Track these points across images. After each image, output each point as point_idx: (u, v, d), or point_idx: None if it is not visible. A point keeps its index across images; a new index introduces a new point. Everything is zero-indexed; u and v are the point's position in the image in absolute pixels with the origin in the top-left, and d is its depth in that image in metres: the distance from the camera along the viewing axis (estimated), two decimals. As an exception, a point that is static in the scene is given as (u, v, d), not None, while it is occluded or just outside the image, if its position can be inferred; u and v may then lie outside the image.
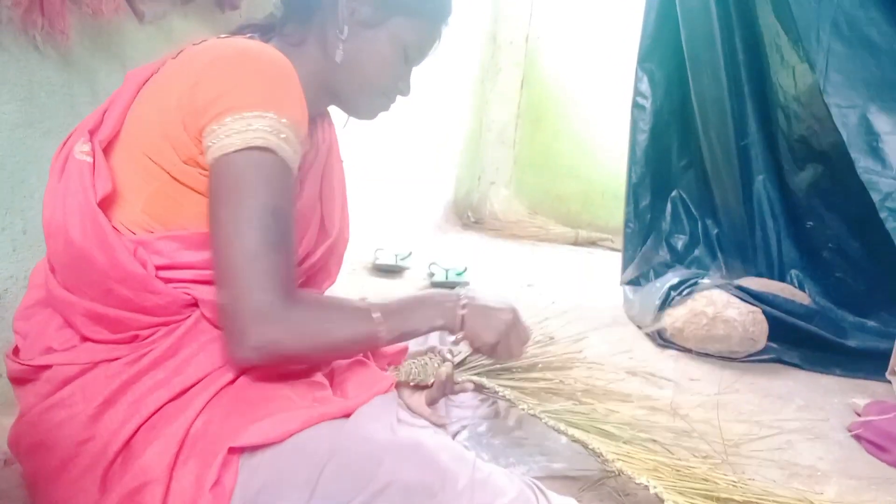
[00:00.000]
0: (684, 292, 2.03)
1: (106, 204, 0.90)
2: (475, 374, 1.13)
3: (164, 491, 0.81)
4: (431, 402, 1.11)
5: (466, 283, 2.59)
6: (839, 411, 1.75)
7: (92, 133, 0.94)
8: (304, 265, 1.02)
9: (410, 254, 2.80)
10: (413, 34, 1.01)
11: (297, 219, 1.00)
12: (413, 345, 1.20)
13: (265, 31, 1.05)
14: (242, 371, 0.89)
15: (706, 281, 2.06)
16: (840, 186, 2.07)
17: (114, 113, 0.94)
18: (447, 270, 2.59)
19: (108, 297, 0.88)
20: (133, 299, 0.88)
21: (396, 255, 2.74)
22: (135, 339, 0.89)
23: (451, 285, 2.53)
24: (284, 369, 0.92)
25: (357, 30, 0.99)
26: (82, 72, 1.49)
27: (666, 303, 2.03)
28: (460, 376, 1.12)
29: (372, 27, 0.99)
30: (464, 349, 1.12)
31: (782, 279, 2.23)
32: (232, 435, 0.83)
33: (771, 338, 2.00)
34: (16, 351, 0.96)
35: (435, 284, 2.54)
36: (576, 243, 3.56)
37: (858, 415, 1.69)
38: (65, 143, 0.96)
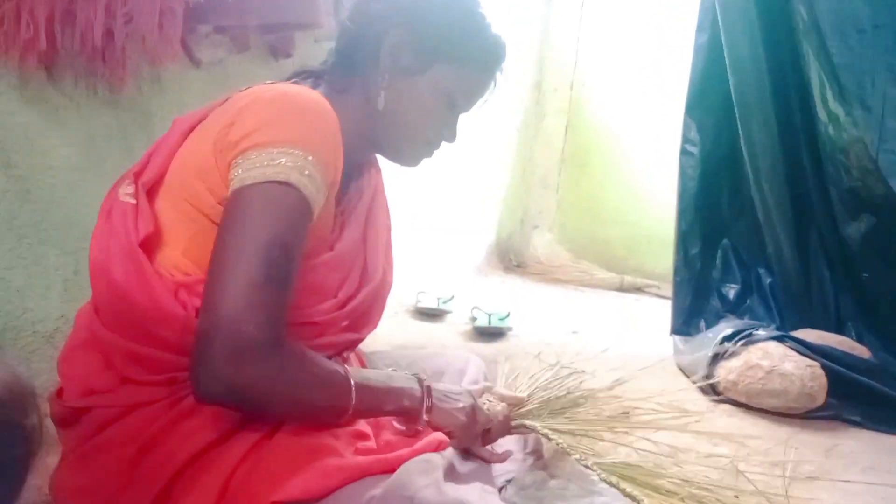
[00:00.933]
0: (738, 343, 1.95)
1: (149, 246, 0.91)
2: (530, 419, 1.11)
3: None
4: (487, 442, 1.09)
5: (510, 329, 2.55)
6: (907, 474, 1.65)
7: (137, 176, 0.95)
8: (345, 309, 1.01)
9: (453, 297, 2.77)
10: (458, 81, 1.01)
11: (338, 261, 1.00)
12: (467, 385, 1.18)
13: (316, 77, 1.06)
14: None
15: (761, 332, 1.99)
16: (894, 237, 2.00)
17: (159, 157, 0.96)
18: (490, 315, 2.55)
19: (148, 338, 0.88)
20: (172, 340, 0.87)
21: (439, 299, 2.72)
22: (174, 381, 0.88)
23: (495, 331, 2.50)
24: None
25: (399, 77, 1.00)
26: (139, 117, 1.54)
27: (719, 354, 1.96)
28: (516, 419, 1.10)
29: (414, 75, 1.00)
30: (519, 392, 1.11)
31: (840, 332, 2.14)
32: (272, 488, 0.80)
33: (830, 393, 1.91)
34: (59, 392, 0.96)
35: (478, 329, 2.51)
36: (621, 289, 3.49)
37: (929, 479, 1.59)
38: (115, 187, 0.98)
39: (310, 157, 0.85)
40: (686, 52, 3.44)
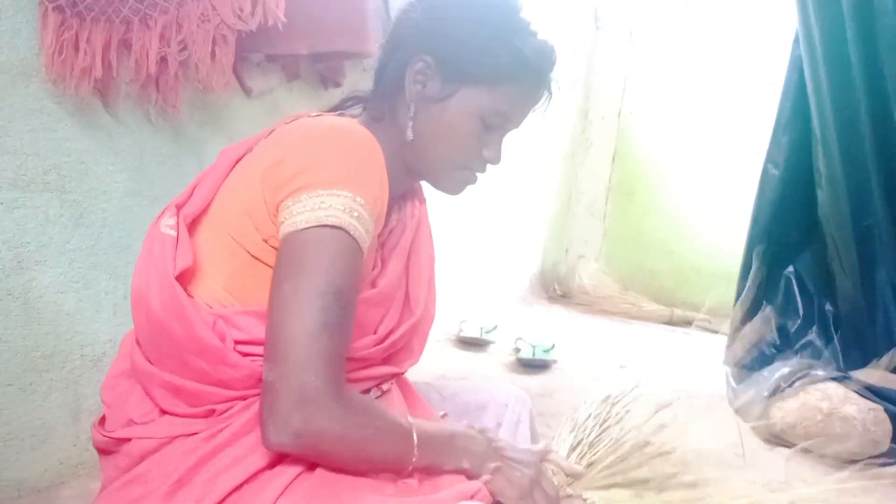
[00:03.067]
0: (796, 384, 1.87)
1: (187, 278, 0.90)
2: (587, 489, 1.04)
3: None
4: None
5: (555, 361, 2.49)
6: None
7: (179, 207, 0.95)
8: (386, 343, 0.98)
9: (496, 327, 2.73)
10: (491, 102, 0.96)
11: (381, 297, 0.97)
12: (509, 425, 1.14)
13: (364, 104, 1.05)
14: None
15: (820, 372, 1.90)
16: None
17: (203, 189, 0.95)
18: (534, 347, 2.50)
19: (185, 370, 0.87)
20: (210, 372, 0.86)
21: (481, 328, 2.69)
22: (212, 413, 0.87)
23: (538, 363, 2.45)
24: None
25: (425, 106, 0.97)
26: (191, 144, 1.56)
27: (776, 394, 1.88)
28: (571, 489, 1.03)
29: (440, 101, 0.96)
30: (580, 462, 1.04)
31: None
32: None
33: (894, 439, 1.81)
34: (102, 420, 0.96)
35: (521, 361, 2.46)
36: (670, 322, 3.40)
37: None
38: (158, 218, 0.97)
39: (359, 199, 0.84)
40: (736, 82, 3.40)
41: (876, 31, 1.99)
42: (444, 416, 1.14)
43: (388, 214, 1.03)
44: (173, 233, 0.92)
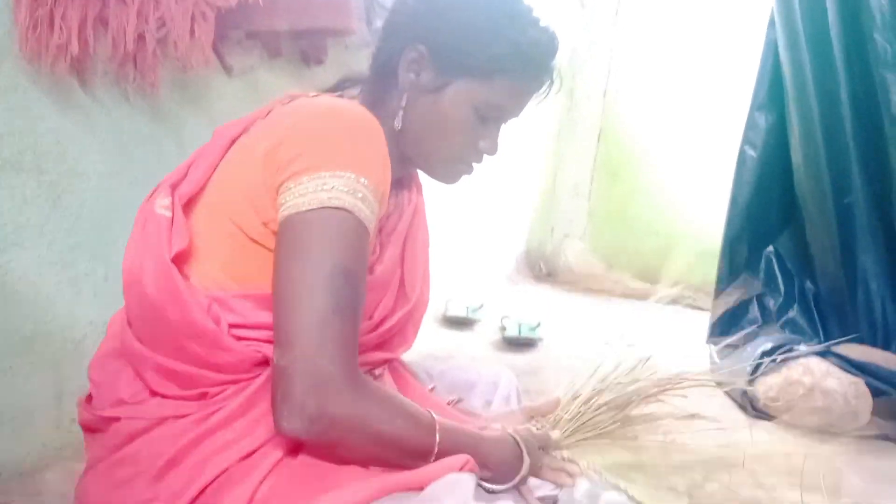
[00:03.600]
0: (778, 359, 1.89)
1: (183, 260, 0.89)
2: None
3: None
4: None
5: (540, 339, 2.50)
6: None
7: (174, 187, 0.93)
8: (380, 330, 0.97)
9: (482, 306, 2.74)
10: (484, 94, 0.94)
11: (377, 283, 0.96)
12: (498, 406, 1.14)
13: (358, 85, 1.03)
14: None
15: (802, 347, 1.92)
16: None
17: (199, 169, 0.94)
18: (520, 325, 2.51)
19: (179, 353, 0.86)
20: (204, 356, 0.85)
21: (467, 307, 2.69)
22: (204, 396, 0.86)
23: (524, 341, 2.46)
24: None
25: (418, 96, 0.95)
26: (170, 123, 1.53)
27: (759, 370, 1.90)
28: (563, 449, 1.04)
29: (434, 92, 0.94)
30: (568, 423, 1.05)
31: (887, 347, 2.06)
32: None
33: (876, 412, 1.84)
34: (89, 398, 0.95)
35: (507, 339, 2.47)
36: (654, 300, 3.43)
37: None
38: (151, 196, 0.95)
39: (363, 180, 0.82)
40: (721, 62, 3.41)
41: (859, 9, 2.00)
42: (431, 389, 1.14)
43: (388, 200, 1.00)
44: (168, 213, 0.90)
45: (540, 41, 0.96)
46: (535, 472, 0.97)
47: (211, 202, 0.91)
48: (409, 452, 0.83)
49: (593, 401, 1.15)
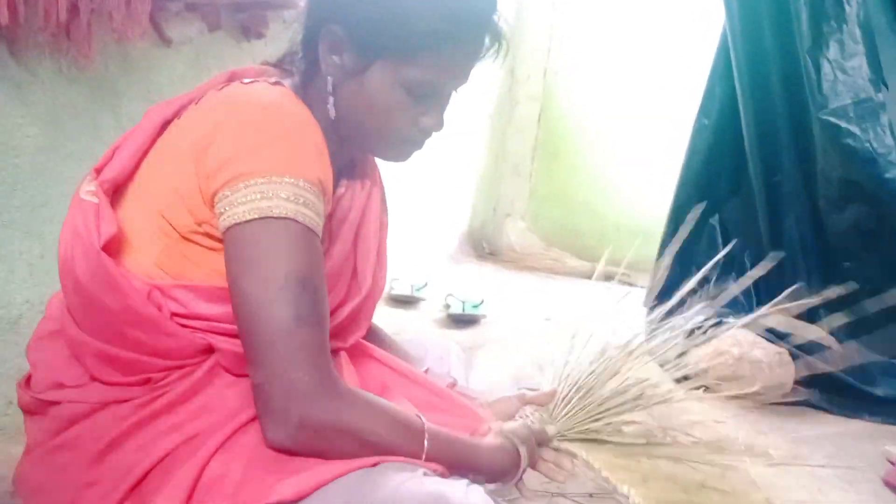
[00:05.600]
0: (708, 331, 1.97)
1: (115, 247, 0.86)
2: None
3: None
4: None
5: (484, 316, 2.55)
6: (872, 459, 1.69)
7: (98, 171, 0.90)
8: (333, 322, 0.93)
9: (426, 284, 2.76)
10: (410, 72, 0.87)
11: (327, 276, 0.92)
12: (502, 391, 1.14)
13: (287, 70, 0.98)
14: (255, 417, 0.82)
15: (731, 319, 2.01)
16: (885, 228, 2.01)
17: (125, 153, 0.90)
18: (464, 303, 2.55)
19: (120, 339, 0.84)
20: (146, 342, 0.84)
21: (412, 286, 2.71)
22: (148, 381, 0.85)
23: (469, 318, 2.50)
24: None
25: (343, 79, 0.90)
26: (107, 96, 1.49)
27: (689, 341, 1.98)
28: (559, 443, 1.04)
29: (358, 75, 0.89)
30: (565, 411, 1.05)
31: (811, 320, 2.17)
32: (264, 491, 0.77)
33: (798, 380, 1.94)
34: (28, 380, 0.92)
35: (452, 317, 2.51)
36: (592, 277, 3.51)
37: (892, 463, 1.63)
38: (82, 182, 0.92)
39: (301, 182, 0.80)
40: (662, 41, 3.48)
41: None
42: (426, 371, 1.13)
43: (335, 186, 0.96)
44: (94, 199, 0.87)
45: (461, 10, 0.88)
46: (531, 465, 0.98)
47: (142, 194, 0.88)
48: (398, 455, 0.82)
49: (588, 394, 1.15)
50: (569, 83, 3.84)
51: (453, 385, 1.13)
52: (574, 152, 3.85)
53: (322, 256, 0.84)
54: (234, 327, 0.81)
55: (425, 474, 0.81)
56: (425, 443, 0.84)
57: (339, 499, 0.76)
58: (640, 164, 3.64)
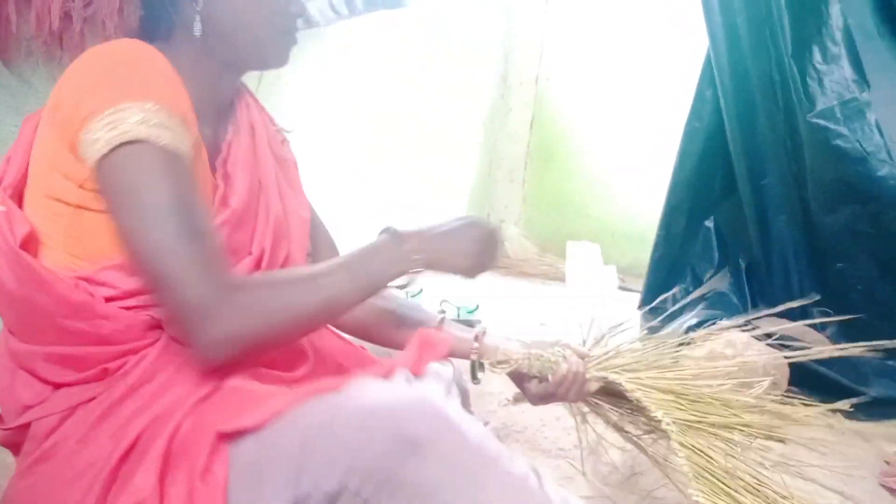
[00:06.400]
0: (703, 333, 1.98)
1: (33, 249, 0.87)
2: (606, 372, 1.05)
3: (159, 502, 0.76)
4: (542, 400, 1.03)
5: (478, 322, 2.54)
6: (867, 459, 1.69)
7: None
8: (265, 262, 0.96)
9: (421, 290, 2.76)
10: None
11: (237, 215, 0.94)
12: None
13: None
14: (220, 384, 0.84)
15: (725, 321, 2.02)
16: (878, 228, 2.02)
17: (16, 159, 0.92)
18: (459, 309, 2.56)
19: (63, 336, 0.85)
20: (89, 331, 0.84)
21: (407, 293, 2.71)
22: (105, 373, 0.85)
23: (465, 323, 2.49)
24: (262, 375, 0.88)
25: None
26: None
27: (684, 344, 1.98)
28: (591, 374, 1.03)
29: None
30: (597, 348, 1.06)
31: (803, 320, 2.18)
32: (218, 425, 0.79)
33: (792, 381, 1.95)
34: (0, 419, 0.92)
35: (447, 323, 2.51)
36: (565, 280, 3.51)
37: (888, 463, 1.64)
38: None
39: (148, 105, 0.82)
40: (652, 47, 3.50)
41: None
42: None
43: (219, 128, 0.99)
44: (2, 207, 0.88)
45: None
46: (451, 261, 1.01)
47: (30, 188, 0.89)
48: (323, 313, 0.88)
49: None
50: (561, 89, 3.86)
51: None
52: (567, 158, 3.87)
53: (189, 174, 0.85)
54: None
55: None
56: (327, 290, 0.86)
57: (318, 411, 0.76)
58: (634, 169, 3.66)
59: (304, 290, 0.86)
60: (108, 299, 0.85)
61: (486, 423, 1.06)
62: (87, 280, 0.85)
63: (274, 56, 0.99)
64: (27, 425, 0.87)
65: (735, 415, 1.11)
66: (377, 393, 0.77)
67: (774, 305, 2.21)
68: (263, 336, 0.83)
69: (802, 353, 1.74)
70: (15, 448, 0.91)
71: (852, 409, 1.95)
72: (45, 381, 0.87)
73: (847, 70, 2.04)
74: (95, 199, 0.84)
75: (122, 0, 1.36)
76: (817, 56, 2.07)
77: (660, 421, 1.04)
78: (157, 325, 0.86)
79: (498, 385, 1.46)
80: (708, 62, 2.37)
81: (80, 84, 0.84)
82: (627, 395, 1.06)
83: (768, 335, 1.97)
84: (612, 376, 1.05)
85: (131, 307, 0.86)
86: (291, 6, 0.97)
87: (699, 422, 1.07)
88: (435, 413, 0.76)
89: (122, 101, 0.81)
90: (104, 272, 0.86)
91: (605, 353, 1.09)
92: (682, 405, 1.07)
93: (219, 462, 0.77)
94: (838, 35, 2.06)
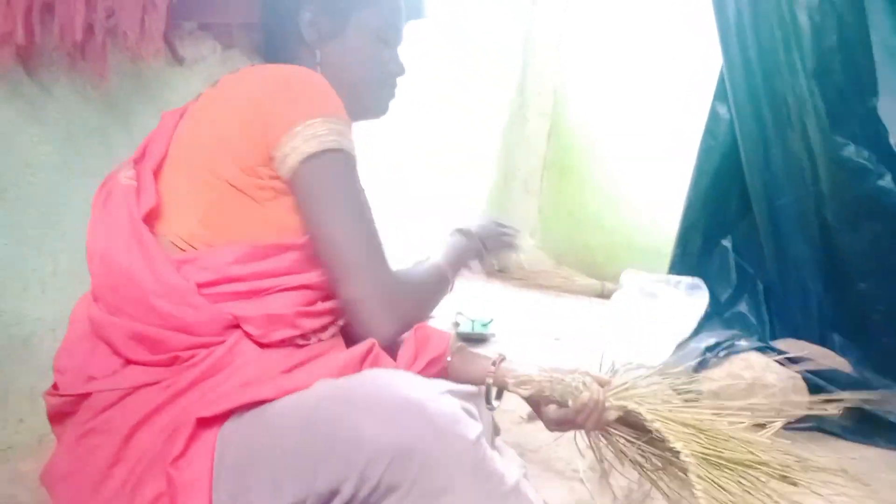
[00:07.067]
0: (721, 354, 1.95)
1: (153, 221, 0.94)
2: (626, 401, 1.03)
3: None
4: (559, 426, 1.04)
5: (492, 335, 2.53)
6: (887, 486, 1.66)
7: (136, 162, 0.98)
8: None
9: (492, 320, 2.74)
10: (378, 19, 1.06)
11: None
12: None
13: None
14: (280, 391, 0.86)
15: (744, 343, 1.99)
16: None
17: (156, 145, 0.99)
18: (473, 321, 2.54)
19: (149, 315, 0.88)
20: (174, 314, 0.88)
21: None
22: (175, 360, 0.88)
23: (477, 337, 2.48)
24: None
25: (326, 45, 1.05)
26: (120, 114, 1.50)
27: (702, 364, 1.96)
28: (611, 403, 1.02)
29: (338, 35, 1.04)
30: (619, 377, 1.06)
31: (823, 342, 2.15)
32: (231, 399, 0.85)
33: (812, 406, 1.91)
34: (54, 387, 0.94)
35: (461, 335, 2.49)
36: (601, 296, 3.48)
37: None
38: (112, 175, 0.99)
39: (342, 121, 0.95)
40: (670, 60, 3.48)
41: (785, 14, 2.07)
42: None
43: None
44: (134, 182, 0.95)
45: None
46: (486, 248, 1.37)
47: (178, 163, 0.97)
48: (443, 298, 1.13)
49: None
50: (578, 100, 3.84)
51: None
52: (583, 169, 3.84)
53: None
54: (266, 285, 0.92)
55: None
56: (446, 274, 1.13)
57: (325, 390, 0.83)
58: (651, 182, 3.63)
59: (439, 284, 1.09)
60: (203, 285, 0.90)
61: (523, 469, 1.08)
62: (189, 263, 0.91)
63: (376, 109, 1.13)
64: (86, 395, 0.88)
65: (752, 453, 1.08)
66: (389, 390, 0.83)
67: (793, 326, 2.19)
68: (417, 320, 1.00)
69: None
70: (60, 418, 0.93)
71: (872, 435, 1.92)
72: (118, 355, 0.89)
73: (867, 87, 2.01)
74: (249, 184, 0.94)
75: (144, 12, 1.38)
76: (837, 74, 2.04)
77: (678, 453, 1.01)
78: (235, 325, 0.90)
79: (512, 403, 1.44)
80: (721, 80, 2.35)
81: (286, 92, 0.95)
82: (647, 425, 1.03)
83: (788, 358, 1.94)
84: (633, 405, 1.02)
85: (222, 297, 0.91)
86: (391, 66, 1.11)
87: (718, 456, 1.04)
88: (417, 409, 0.81)
89: (325, 115, 0.94)
90: (209, 256, 0.91)
91: (624, 383, 1.06)
92: (700, 439, 1.05)
93: (206, 447, 0.82)
94: (860, 52, 2.03)
